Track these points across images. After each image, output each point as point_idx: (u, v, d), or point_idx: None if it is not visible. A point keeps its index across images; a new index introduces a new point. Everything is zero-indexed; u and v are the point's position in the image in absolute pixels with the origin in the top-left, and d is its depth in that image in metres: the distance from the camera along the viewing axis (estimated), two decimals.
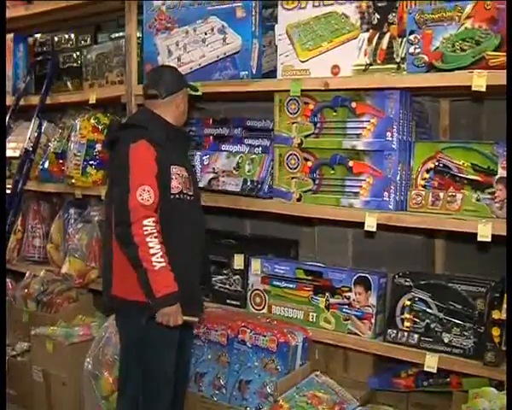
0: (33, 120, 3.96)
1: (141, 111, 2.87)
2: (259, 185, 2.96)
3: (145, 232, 2.41)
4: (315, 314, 2.89)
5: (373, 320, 2.74)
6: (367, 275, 2.77)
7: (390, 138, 2.58)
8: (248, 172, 3.01)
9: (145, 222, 2.42)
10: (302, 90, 2.74)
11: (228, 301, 3.22)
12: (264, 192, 2.96)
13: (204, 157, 3.18)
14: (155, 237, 2.42)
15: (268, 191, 2.96)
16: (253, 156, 3.02)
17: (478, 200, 2.44)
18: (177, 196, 2.58)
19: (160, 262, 2.41)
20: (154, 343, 2.57)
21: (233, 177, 3.04)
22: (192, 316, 2.58)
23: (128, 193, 2.45)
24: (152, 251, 2.40)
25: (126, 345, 2.67)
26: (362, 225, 2.59)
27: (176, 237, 2.53)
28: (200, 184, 3.04)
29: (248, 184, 2.98)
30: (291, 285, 2.97)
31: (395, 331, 2.68)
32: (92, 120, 3.66)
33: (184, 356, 2.76)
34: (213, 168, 3.14)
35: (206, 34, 3.03)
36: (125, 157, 2.51)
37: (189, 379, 2.93)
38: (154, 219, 2.44)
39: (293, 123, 2.84)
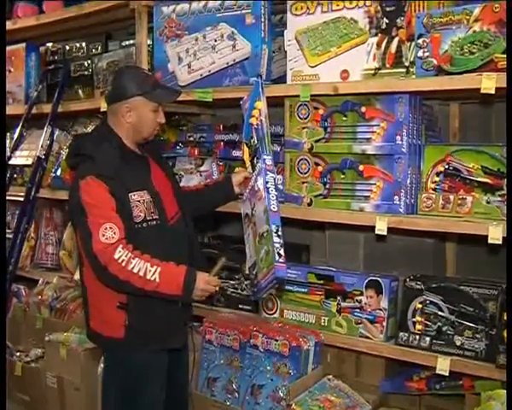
0: (45, 128, 4.00)
1: (98, 127, 2.63)
2: None
3: (123, 264, 2.26)
4: (327, 318, 2.90)
5: (384, 324, 2.74)
6: (378, 279, 2.78)
7: (400, 142, 2.59)
8: None
9: (116, 256, 2.26)
10: (312, 96, 2.76)
11: (240, 305, 3.24)
12: None
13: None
14: (133, 258, 2.27)
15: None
16: None
17: (488, 202, 2.44)
18: (139, 224, 2.39)
19: (155, 273, 2.28)
20: (138, 373, 2.45)
21: None
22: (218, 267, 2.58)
23: (90, 238, 2.28)
24: (142, 273, 2.27)
25: (107, 369, 2.60)
26: (373, 228, 2.59)
27: None
28: None
29: None
30: (303, 290, 2.98)
31: (407, 335, 2.68)
32: None
33: (178, 380, 2.70)
34: None
35: (215, 41, 3.05)
36: (77, 196, 2.35)
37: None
38: (121, 244, 2.28)
39: (304, 128, 2.85)
